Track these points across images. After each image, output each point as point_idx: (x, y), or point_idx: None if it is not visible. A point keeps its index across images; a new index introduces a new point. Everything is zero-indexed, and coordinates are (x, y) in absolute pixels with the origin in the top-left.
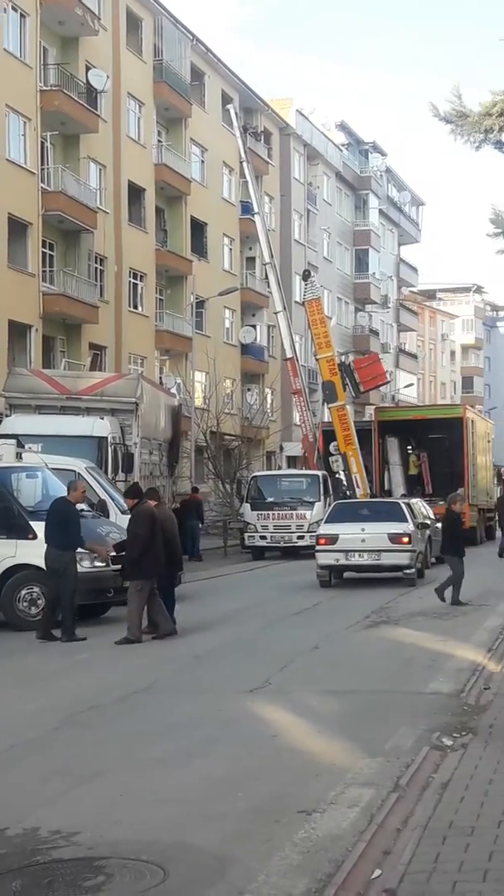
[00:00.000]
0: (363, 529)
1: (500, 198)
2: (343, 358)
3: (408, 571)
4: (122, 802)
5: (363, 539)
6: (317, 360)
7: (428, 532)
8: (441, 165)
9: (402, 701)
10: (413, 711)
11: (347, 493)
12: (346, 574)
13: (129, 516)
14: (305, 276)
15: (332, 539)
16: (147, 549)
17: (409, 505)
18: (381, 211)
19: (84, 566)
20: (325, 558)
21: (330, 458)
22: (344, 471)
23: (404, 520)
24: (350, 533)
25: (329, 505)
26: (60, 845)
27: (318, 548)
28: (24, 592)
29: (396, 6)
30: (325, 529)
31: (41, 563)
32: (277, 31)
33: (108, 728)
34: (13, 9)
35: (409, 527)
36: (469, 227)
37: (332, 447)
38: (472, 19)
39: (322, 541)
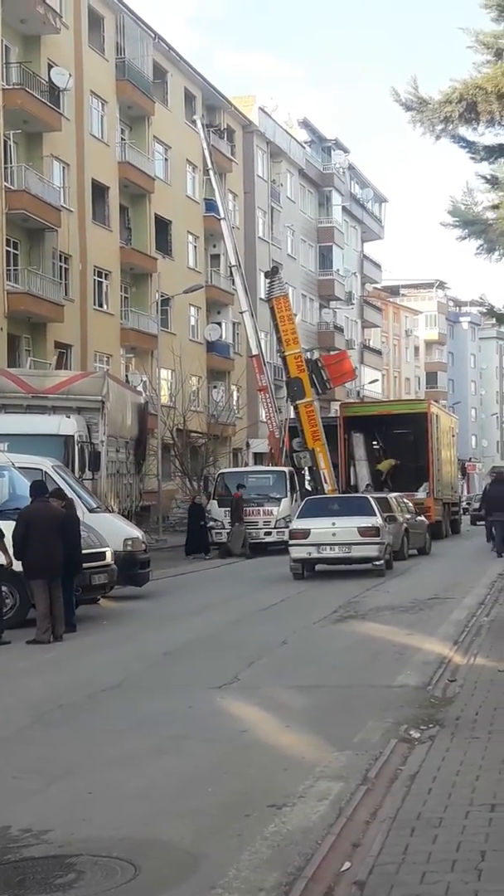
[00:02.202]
0: (334, 524)
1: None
2: (309, 354)
3: (377, 563)
4: (92, 800)
5: (334, 533)
6: (284, 356)
7: (405, 525)
8: (403, 163)
9: (369, 694)
10: (381, 705)
11: (317, 488)
12: (318, 567)
13: (100, 514)
14: (273, 272)
15: (305, 533)
16: (26, 549)
17: (380, 500)
18: (344, 208)
19: None
20: (297, 552)
21: (295, 455)
22: (311, 467)
23: (373, 514)
24: (321, 527)
25: (295, 501)
26: (31, 843)
27: (290, 542)
28: None
29: (355, 1)
30: (298, 524)
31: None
32: (237, 29)
33: (78, 726)
34: None
35: (377, 520)
36: (431, 223)
37: (295, 443)
38: (431, 11)
39: (295, 535)
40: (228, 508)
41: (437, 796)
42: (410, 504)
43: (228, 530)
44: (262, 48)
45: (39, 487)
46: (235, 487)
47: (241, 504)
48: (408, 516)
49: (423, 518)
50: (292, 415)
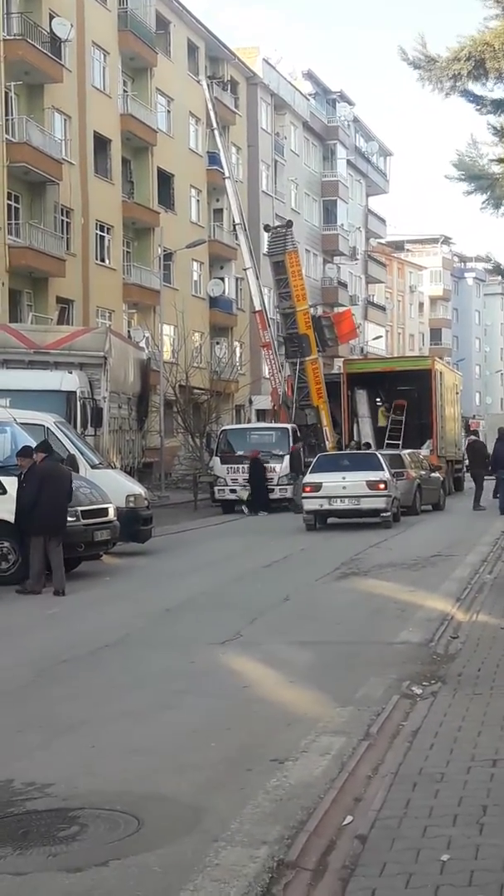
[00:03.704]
0: (344, 478)
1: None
2: (313, 311)
3: (384, 514)
4: (95, 754)
5: (344, 486)
6: (292, 312)
7: (417, 481)
8: (409, 115)
9: (371, 651)
10: (383, 661)
11: (319, 444)
12: (330, 520)
13: (103, 470)
14: (287, 225)
15: (317, 487)
16: (35, 507)
17: (393, 456)
18: (349, 161)
19: None
20: (310, 504)
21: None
22: (315, 423)
23: (381, 468)
24: (332, 481)
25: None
26: (34, 797)
27: (303, 495)
28: None
29: None
30: (310, 478)
31: (12, 518)
32: None
33: (80, 681)
34: None
35: (385, 475)
36: (437, 177)
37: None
38: None
39: (307, 489)
40: (239, 467)
41: (439, 752)
42: (427, 461)
43: (245, 487)
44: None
45: (48, 446)
46: (240, 446)
47: (260, 462)
48: (422, 472)
49: (437, 474)
50: (288, 371)
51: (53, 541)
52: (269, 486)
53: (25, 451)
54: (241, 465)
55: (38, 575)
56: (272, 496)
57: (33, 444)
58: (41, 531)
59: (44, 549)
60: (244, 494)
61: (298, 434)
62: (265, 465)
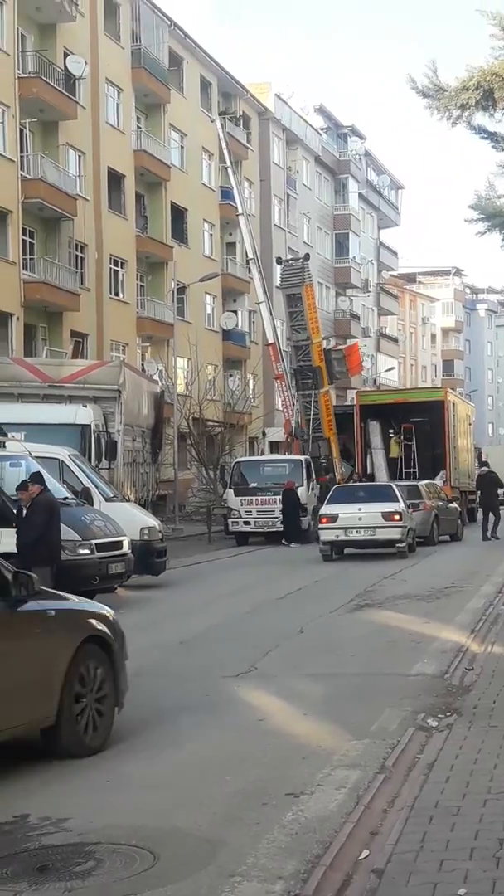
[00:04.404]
0: (360, 509)
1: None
2: (325, 343)
3: (399, 545)
4: (110, 788)
5: (360, 517)
6: (305, 345)
7: (434, 512)
8: (419, 149)
9: (386, 683)
10: (398, 693)
11: (332, 476)
12: (347, 550)
13: (117, 503)
14: (305, 258)
15: (333, 518)
16: (45, 535)
17: (410, 487)
18: (360, 195)
19: (68, 554)
20: (326, 535)
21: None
22: (327, 455)
23: (396, 500)
24: (348, 512)
25: (312, 489)
26: (50, 831)
27: (320, 526)
28: None
29: None
30: (327, 510)
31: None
32: (252, 17)
33: None
34: None
35: (400, 506)
36: (448, 209)
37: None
38: None
39: (324, 520)
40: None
41: (455, 785)
42: (444, 492)
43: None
44: (277, 36)
45: (42, 478)
46: (254, 478)
47: (294, 492)
48: (439, 503)
49: (454, 505)
50: (278, 404)
51: (53, 571)
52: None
53: (25, 485)
54: (255, 498)
55: None
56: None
57: (50, 479)
58: (50, 562)
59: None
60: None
61: (311, 466)
62: (276, 496)
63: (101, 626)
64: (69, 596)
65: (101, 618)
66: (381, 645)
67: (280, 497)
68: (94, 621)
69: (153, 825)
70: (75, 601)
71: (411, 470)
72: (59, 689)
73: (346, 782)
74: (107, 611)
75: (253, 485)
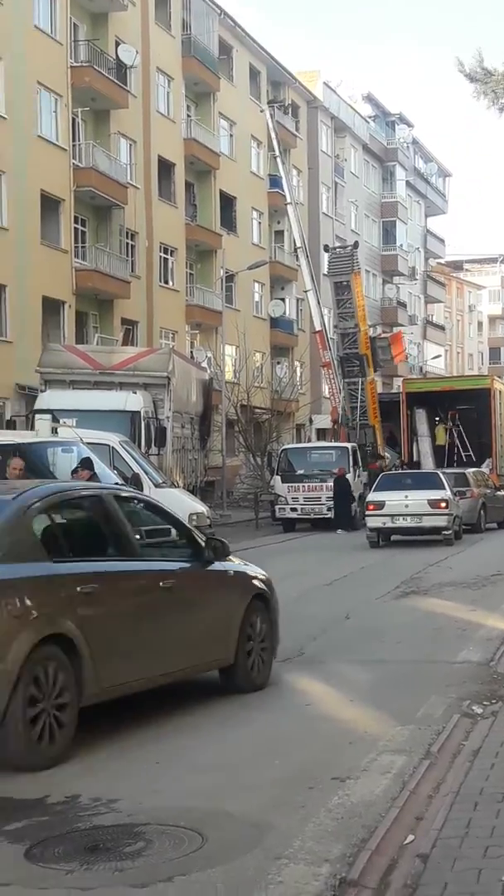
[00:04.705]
0: (406, 497)
1: None
2: (372, 331)
3: (445, 533)
4: (160, 770)
5: (406, 505)
6: (352, 332)
7: (482, 500)
8: (467, 136)
9: (432, 670)
10: (443, 680)
11: (380, 464)
12: (393, 537)
13: (166, 489)
14: (354, 246)
15: (380, 505)
16: None
17: (458, 475)
18: (408, 182)
19: None
20: (373, 522)
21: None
22: (373, 442)
23: (442, 487)
24: (395, 500)
25: (358, 476)
26: (101, 812)
27: (367, 513)
28: None
29: None
30: (374, 497)
31: None
32: (302, 6)
33: (146, 699)
34: None
35: (446, 494)
36: (496, 197)
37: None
38: None
39: (371, 507)
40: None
41: (500, 772)
42: (491, 479)
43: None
44: (324, 23)
45: (91, 463)
46: (300, 465)
47: (345, 479)
48: (487, 491)
49: (503, 493)
50: (325, 391)
51: None
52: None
53: (86, 464)
54: (301, 484)
55: None
56: (332, 514)
57: (102, 466)
58: None
59: None
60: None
61: (358, 453)
62: (323, 483)
63: (262, 586)
64: (235, 559)
65: (263, 579)
66: (427, 632)
67: (326, 484)
68: (257, 582)
69: (201, 807)
70: (244, 564)
71: (459, 457)
72: (237, 636)
73: (391, 767)
74: (265, 574)
75: (300, 472)
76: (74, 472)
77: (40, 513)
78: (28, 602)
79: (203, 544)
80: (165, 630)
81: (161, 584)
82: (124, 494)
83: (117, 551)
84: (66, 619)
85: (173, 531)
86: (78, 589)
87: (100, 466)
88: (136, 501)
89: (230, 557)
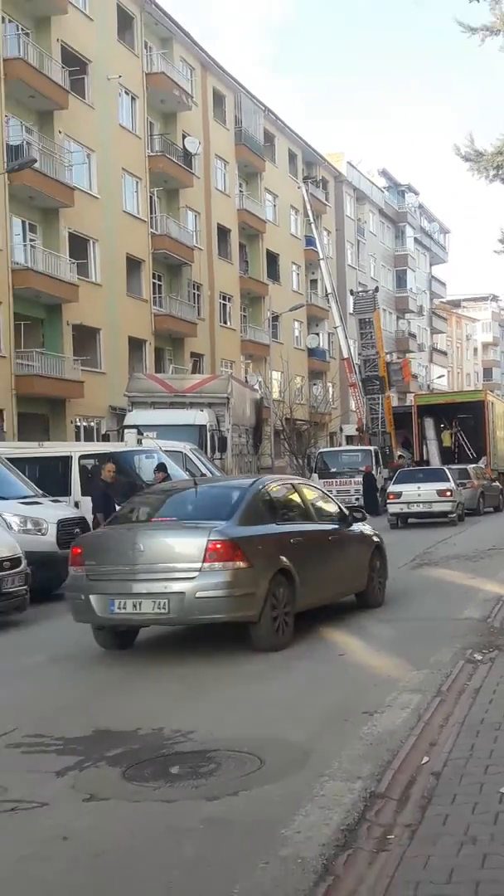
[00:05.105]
0: (419, 488)
1: None
2: (388, 357)
3: (451, 515)
4: (226, 707)
5: (419, 494)
6: (374, 359)
7: (481, 489)
8: (463, 199)
9: (441, 626)
10: (450, 633)
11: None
12: (410, 520)
13: None
14: (375, 291)
15: (398, 495)
16: None
17: (461, 470)
18: (415, 239)
19: None
20: (393, 508)
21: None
22: (389, 445)
23: (447, 480)
24: (410, 490)
25: (380, 472)
26: (180, 741)
27: (388, 501)
28: None
29: (426, 70)
30: (393, 488)
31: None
32: (330, 97)
33: (213, 648)
34: (126, 93)
35: (451, 485)
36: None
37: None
38: (485, 73)
39: (391, 496)
40: (333, 481)
41: (497, 706)
42: (487, 473)
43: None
44: (350, 113)
45: (165, 467)
46: (333, 464)
47: (372, 476)
48: (484, 482)
49: (497, 483)
50: (352, 406)
51: None
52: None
53: (161, 468)
54: (334, 480)
55: None
56: (360, 503)
57: (175, 467)
58: None
59: None
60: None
61: (379, 454)
62: (351, 478)
63: (378, 540)
64: (363, 525)
65: (378, 536)
66: (437, 595)
67: (355, 479)
68: (375, 538)
69: (260, 736)
70: (368, 528)
71: (461, 455)
72: (367, 572)
73: (409, 704)
74: (378, 534)
75: (333, 470)
76: (155, 472)
77: (266, 494)
78: (268, 549)
79: (347, 514)
80: (332, 567)
81: (329, 538)
82: (310, 484)
83: (306, 518)
84: (286, 559)
85: (332, 507)
86: (291, 541)
87: (174, 469)
88: (314, 488)
89: (362, 524)
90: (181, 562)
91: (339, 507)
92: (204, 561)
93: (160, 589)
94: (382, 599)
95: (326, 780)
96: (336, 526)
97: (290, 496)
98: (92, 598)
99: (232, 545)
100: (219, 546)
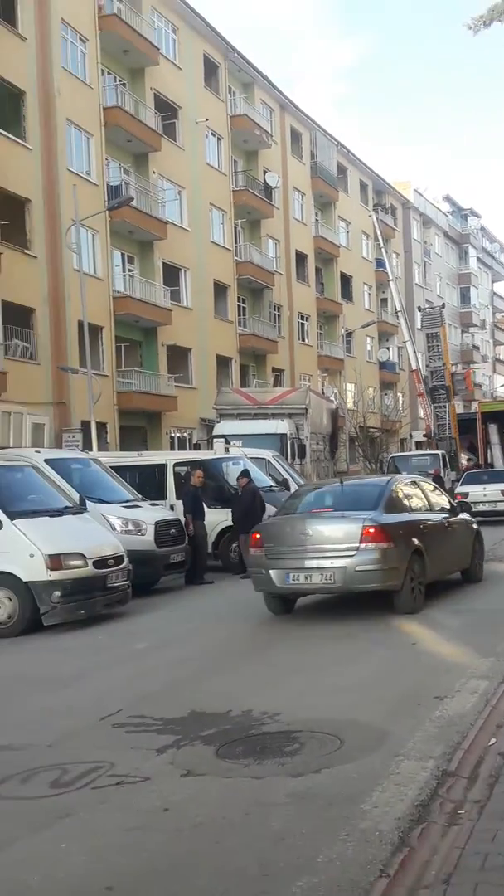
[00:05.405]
0: (484, 489)
1: None
2: (453, 368)
3: None
4: (308, 691)
5: (485, 494)
6: (443, 369)
7: None
8: None
9: None
10: None
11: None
12: (476, 518)
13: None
14: (441, 307)
15: (465, 495)
16: (249, 511)
17: None
18: (478, 258)
19: None
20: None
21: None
22: (454, 450)
23: None
24: (476, 491)
25: (447, 474)
26: (267, 722)
27: (456, 501)
28: (233, 545)
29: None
30: (460, 489)
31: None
32: (397, 128)
33: (295, 637)
34: (212, 134)
35: None
36: None
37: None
38: None
39: (458, 496)
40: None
41: None
42: None
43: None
44: (416, 141)
45: (248, 473)
46: (404, 468)
47: (440, 478)
48: None
49: None
50: (420, 413)
51: None
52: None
53: (245, 473)
54: None
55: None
56: None
57: (259, 472)
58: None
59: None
60: None
61: (447, 458)
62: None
63: (476, 527)
64: (465, 514)
65: (477, 524)
66: (503, 588)
67: None
68: (475, 525)
69: (340, 718)
70: (469, 517)
71: None
72: (471, 552)
73: (477, 689)
74: (476, 522)
75: (403, 473)
76: (238, 478)
77: (399, 489)
78: (406, 533)
79: (455, 505)
80: (449, 547)
81: (445, 524)
82: (426, 481)
83: (427, 509)
84: (418, 541)
85: (444, 499)
86: (421, 526)
87: (257, 473)
88: (430, 484)
89: (464, 513)
90: (342, 543)
91: (449, 500)
92: (360, 542)
93: (327, 564)
94: (481, 576)
95: (401, 760)
96: (447, 515)
97: (415, 491)
98: (271, 572)
99: (382, 529)
100: (371, 530)
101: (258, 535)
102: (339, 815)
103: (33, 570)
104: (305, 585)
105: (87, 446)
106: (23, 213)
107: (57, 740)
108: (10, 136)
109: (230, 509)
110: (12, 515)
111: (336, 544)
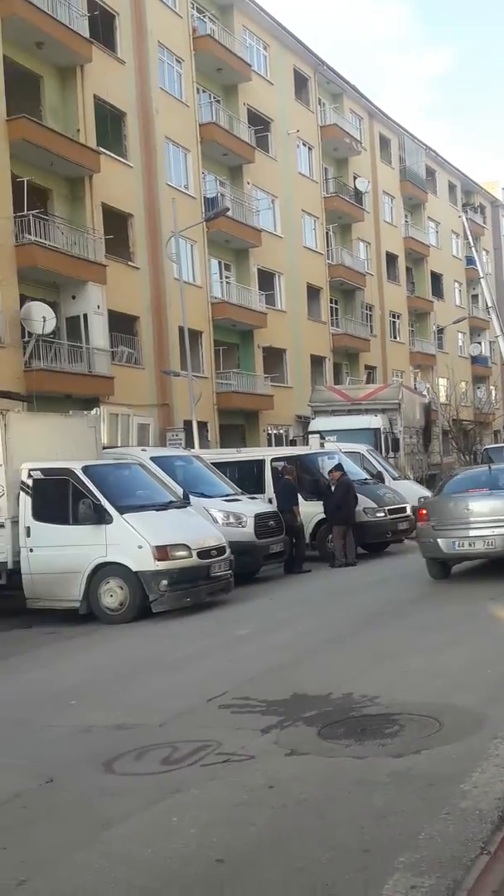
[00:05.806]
0: None
1: None
2: None
3: None
4: (407, 676)
5: None
6: None
7: None
8: None
9: None
10: None
11: None
12: None
13: (401, 481)
14: None
15: None
16: (342, 504)
17: None
18: None
19: (368, 517)
20: None
21: None
22: None
23: None
24: None
25: None
26: (367, 705)
27: None
28: (329, 536)
29: None
30: None
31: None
32: (482, 130)
33: (393, 626)
34: (303, 144)
35: None
36: None
37: None
38: None
39: None
40: None
41: None
42: None
43: None
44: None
45: (342, 467)
46: (498, 459)
47: None
48: None
49: None
50: None
51: (350, 529)
52: None
53: (339, 467)
54: None
55: (341, 552)
56: None
57: (354, 466)
58: (345, 522)
59: (344, 535)
60: None
61: None
62: None
63: None
64: None
65: None
66: None
67: None
68: None
69: (438, 702)
70: None
71: None
72: None
73: None
74: None
75: (499, 464)
76: (331, 472)
77: (446, 480)
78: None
79: None
80: None
81: None
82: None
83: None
84: None
85: None
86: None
87: (351, 467)
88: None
89: None
90: (500, 515)
91: None
92: None
93: (488, 533)
94: None
95: (500, 742)
96: None
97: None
98: (439, 541)
99: None
100: None
101: (424, 511)
102: (439, 794)
103: (142, 561)
104: (470, 551)
105: (189, 444)
106: (126, 228)
107: (167, 720)
108: (114, 155)
109: (322, 502)
110: (122, 510)
111: (495, 516)
